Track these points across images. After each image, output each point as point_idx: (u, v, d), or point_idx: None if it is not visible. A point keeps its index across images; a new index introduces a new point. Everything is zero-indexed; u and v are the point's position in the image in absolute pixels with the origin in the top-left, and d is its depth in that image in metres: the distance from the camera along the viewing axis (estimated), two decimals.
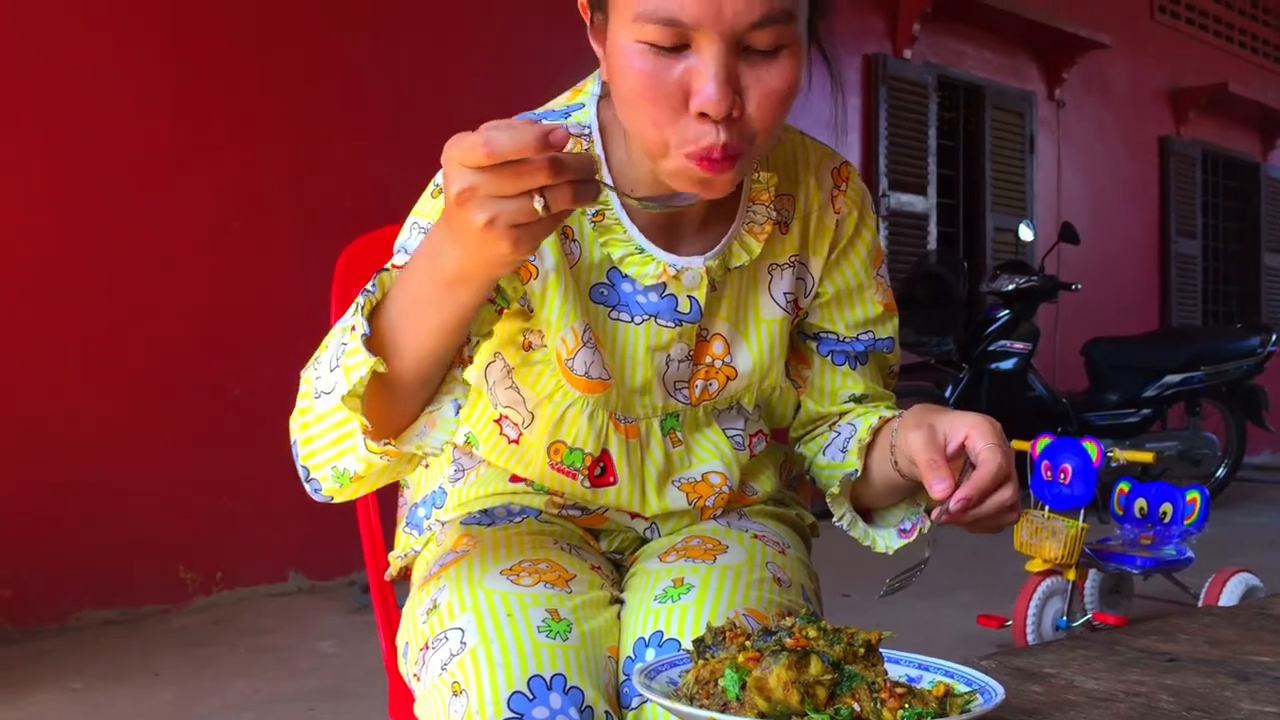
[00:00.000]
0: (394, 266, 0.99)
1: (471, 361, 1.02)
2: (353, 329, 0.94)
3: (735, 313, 1.20)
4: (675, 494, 1.22)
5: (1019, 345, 6.12)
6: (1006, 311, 6.10)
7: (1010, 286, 6.08)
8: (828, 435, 1.27)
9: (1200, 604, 3.43)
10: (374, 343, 0.93)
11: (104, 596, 3.87)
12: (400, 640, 1.21)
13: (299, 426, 1.01)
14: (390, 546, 1.36)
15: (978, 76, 7.67)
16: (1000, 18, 7.48)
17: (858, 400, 1.26)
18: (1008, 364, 6.10)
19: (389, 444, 0.96)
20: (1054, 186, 8.33)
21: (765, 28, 0.97)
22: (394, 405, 0.97)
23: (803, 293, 1.23)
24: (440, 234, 0.89)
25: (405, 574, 1.31)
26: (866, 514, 1.21)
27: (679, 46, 0.97)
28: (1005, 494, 0.98)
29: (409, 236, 1.11)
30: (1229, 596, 3.41)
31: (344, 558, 4.34)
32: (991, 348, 6.07)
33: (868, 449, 1.16)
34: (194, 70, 4.14)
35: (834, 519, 1.19)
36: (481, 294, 0.92)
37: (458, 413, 0.99)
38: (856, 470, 1.16)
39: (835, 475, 1.21)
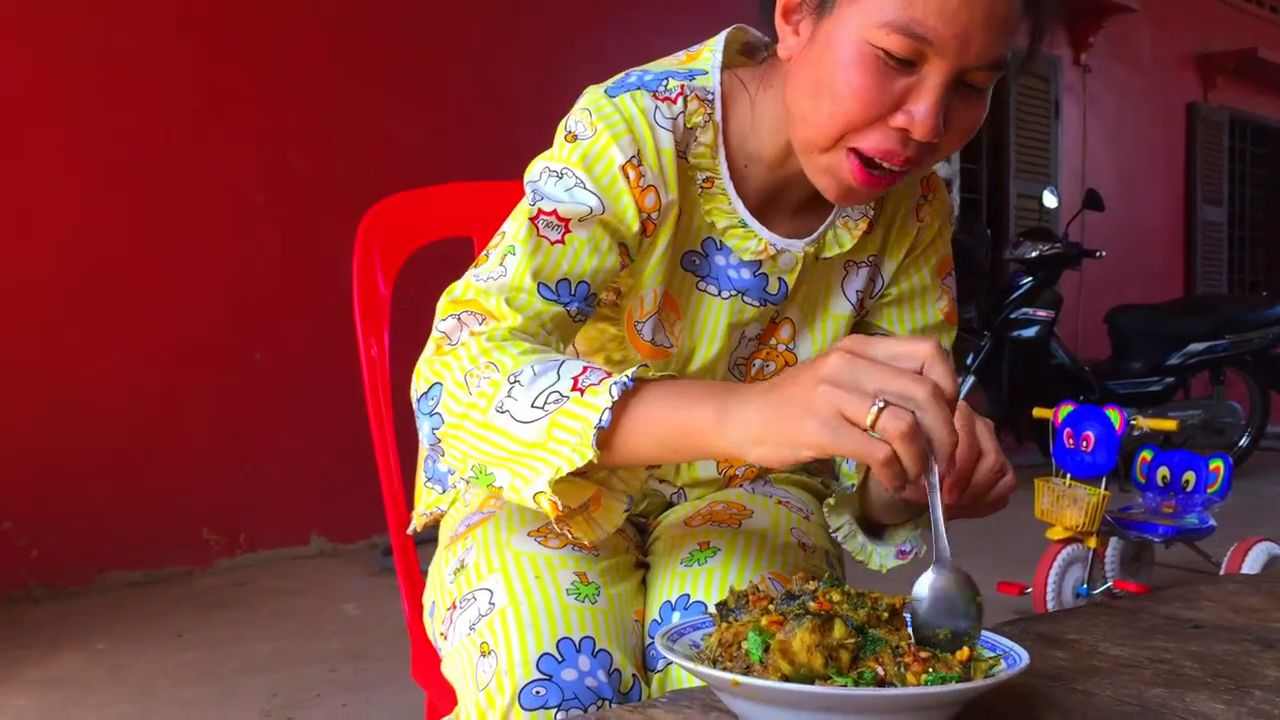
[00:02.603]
0: (643, 375, 0.91)
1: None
2: (579, 391, 0.91)
3: (808, 302, 1.20)
4: (706, 462, 1.22)
5: (1042, 313, 6.09)
6: (1029, 279, 6.06)
7: (1033, 253, 6.03)
8: None
9: (1222, 573, 3.42)
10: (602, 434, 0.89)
11: (129, 558, 3.91)
12: (427, 599, 1.22)
13: (454, 400, 0.97)
14: (412, 505, 1.36)
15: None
16: None
17: None
18: (1030, 332, 6.07)
19: (564, 525, 0.94)
20: (1079, 152, 8.25)
21: (990, 70, 0.98)
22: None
23: (870, 293, 1.23)
24: (753, 391, 0.86)
25: (427, 529, 1.30)
26: (878, 529, 1.16)
27: (908, 62, 0.96)
28: (989, 462, 0.91)
29: (542, 180, 1.08)
30: (1251, 565, 3.40)
31: (366, 520, 4.37)
32: (1014, 315, 6.03)
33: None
34: (216, 37, 4.13)
35: (830, 530, 1.13)
36: (705, 458, 0.90)
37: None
38: (853, 485, 1.13)
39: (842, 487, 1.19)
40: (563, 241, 1.06)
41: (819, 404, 0.79)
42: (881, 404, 0.77)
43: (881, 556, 1.14)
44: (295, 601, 3.69)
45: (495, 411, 0.94)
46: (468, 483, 1.02)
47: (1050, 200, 6.61)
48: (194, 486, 4.07)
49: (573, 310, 1.06)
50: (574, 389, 0.91)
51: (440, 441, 1.00)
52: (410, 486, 1.40)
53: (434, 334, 1.03)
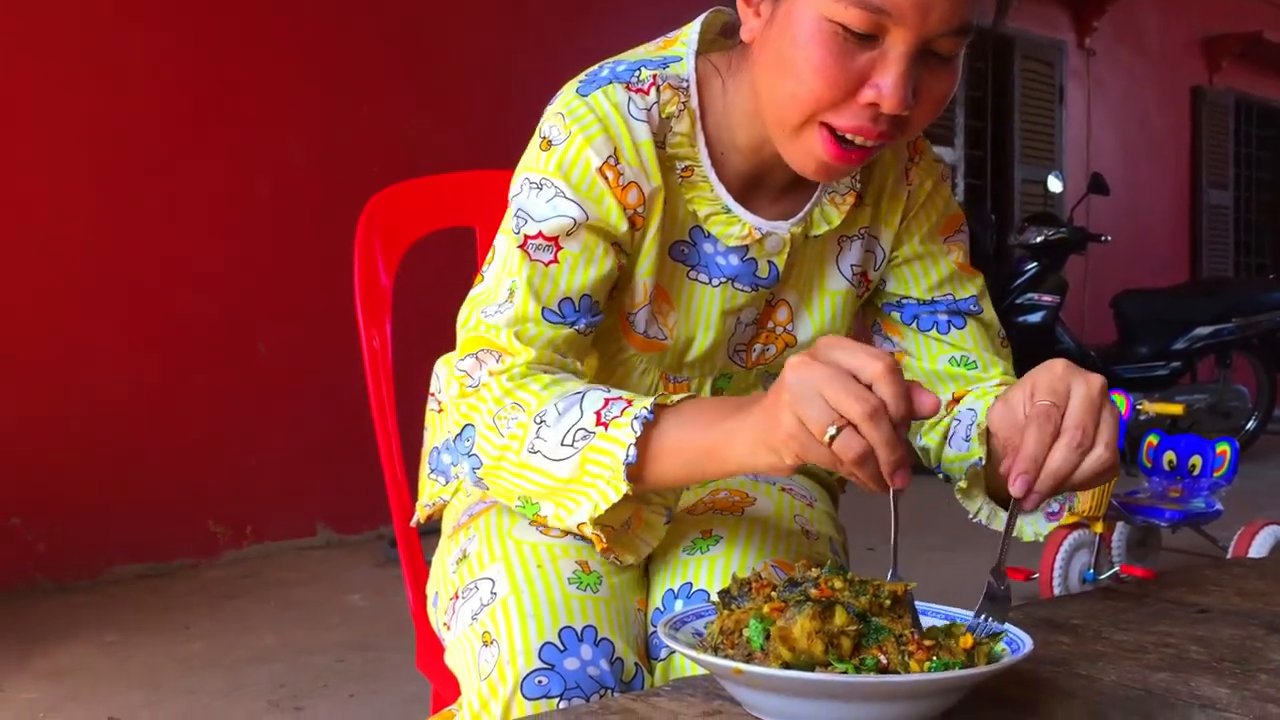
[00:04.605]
0: (662, 401, 0.95)
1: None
2: (604, 426, 0.95)
3: (803, 281, 1.19)
4: None
5: (1047, 298, 6.07)
6: (1034, 264, 6.05)
7: (1038, 239, 6.02)
8: (949, 424, 1.19)
9: (1229, 557, 3.41)
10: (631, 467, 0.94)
11: (135, 551, 3.92)
12: (430, 589, 1.22)
13: (488, 443, 1.02)
14: (416, 495, 1.36)
15: (1007, 25, 7.53)
16: None
17: (959, 364, 1.21)
18: (1035, 317, 6.06)
19: (611, 554, 1.01)
20: (1084, 137, 8.22)
21: (955, 36, 0.96)
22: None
23: (871, 265, 1.22)
24: (749, 407, 0.89)
25: (431, 520, 1.31)
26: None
27: (869, 35, 0.94)
28: (1065, 440, 0.85)
29: (523, 194, 1.08)
30: (1258, 549, 3.39)
31: (372, 512, 4.37)
32: (1019, 301, 6.02)
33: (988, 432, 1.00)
34: (217, 27, 4.12)
35: (970, 515, 1.06)
36: (730, 474, 0.94)
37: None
38: (980, 459, 1.03)
39: (963, 468, 1.10)
40: (556, 260, 1.06)
41: (785, 418, 0.82)
42: (835, 430, 0.80)
43: (1033, 526, 1.07)
44: (302, 592, 3.70)
45: (528, 452, 0.98)
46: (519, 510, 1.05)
47: (1055, 185, 6.60)
48: (199, 479, 4.08)
49: (581, 327, 1.07)
50: (598, 423, 0.95)
51: (483, 480, 1.04)
52: (414, 477, 1.40)
53: (454, 372, 1.06)
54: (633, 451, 0.92)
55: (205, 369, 4.11)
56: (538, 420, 0.98)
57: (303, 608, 3.50)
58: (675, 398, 0.95)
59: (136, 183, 3.95)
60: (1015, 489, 0.85)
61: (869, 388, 0.80)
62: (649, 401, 0.94)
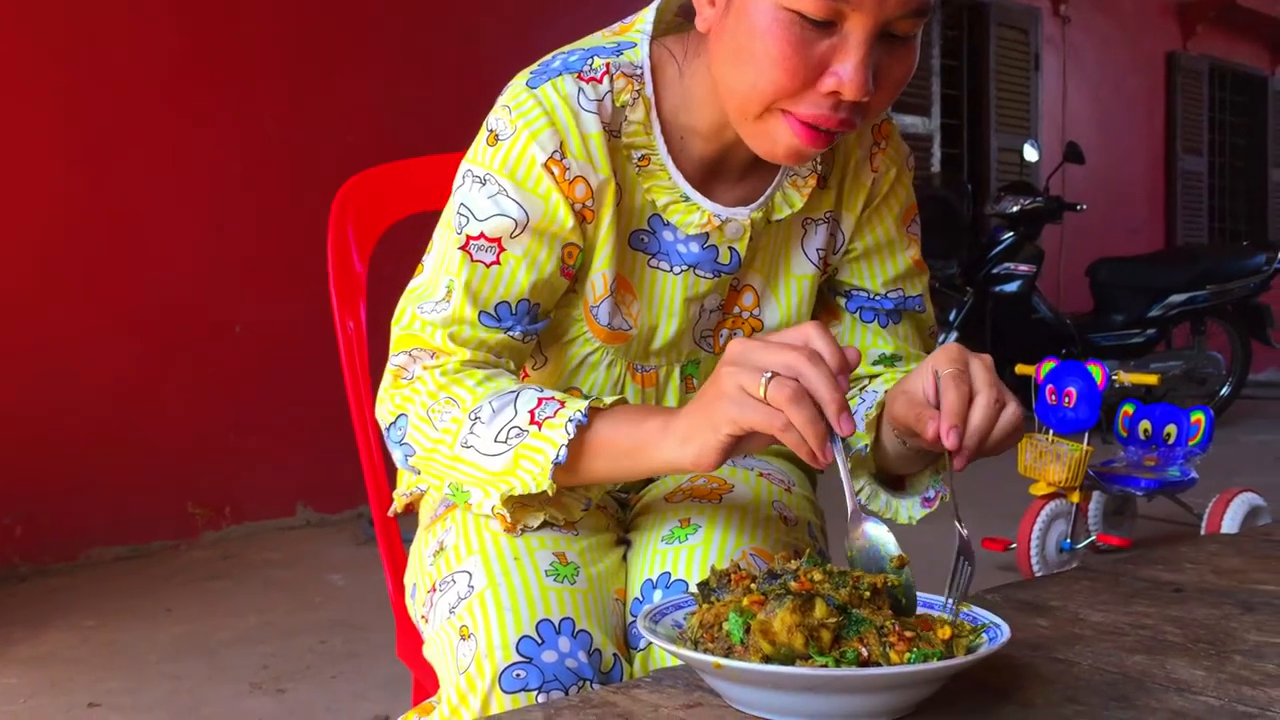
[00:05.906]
0: (596, 404, 0.99)
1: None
2: (537, 425, 0.98)
3: (768, 266, 1.18)
4: None
5: (1023, 267, 6.10)
6: (1011, 233, 6.07)
7: (1014, 208, 6.04)
8: (855, 403, 1.19)
9: (1204, 524, 3.45)
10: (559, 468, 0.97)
11: (114, 534, 3.91)
12: (408, 580, 1.21)
13: (421, 434, 1.05)
14: (394, 483, 1.36)
15: None
16: None
17: (888, 361, 1.23)
18: (1012, 286, 6.09)
19: (522, 525, 1.06)
20: (1059, 105, 8.23)
21: (912, 18, 0.95)
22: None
23: (833, 249, 1.21)
24: (682, 408, 0.93)
25: (410, 509, 1.30)
26: (900, 481, 1.13)
27: (827, 22, 0.93)
28: (982, 399, 0.90)
29: (466, 187, 1.08)
30: (1233, 516, 3.43)
31: (351, 491, 4.36)
32: (996, 270, 6.04)
33: (879, 420, 1.07)
34: (190, 8, 4.07)
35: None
36: (656, 472, 0.97)
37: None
38: (865, 445, 1.09)
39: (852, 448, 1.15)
40: (498, 262, 1.07)
41: (725, 385, 0.86)
42: (769, 375, 0.83)
43: (908, 509, 1.11)
44: (282, 573, 3.69)
45: (461, 446, 1.01)
46: (430, 484, 1.11)
47: (1031, 154, 6.61)
48: (177, 460, 4.06)
49: (516, 334, 1.09)
50: (532, 422, 0.98)
51: (414, 468, 1.08)
52: (392, 463, 1.40)
53: (390, 366, 1.09)
54: (564, 452, 0.95)
55: (182, 350, 4.08)
56: (472, 417, 1.01)
57: (284, 588, 3.49)
58: (608, 400, 0.98)
59: (110, 162, 3.91)
60: (949, 441, 0.89)
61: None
62: (583, 404, 0.97)
